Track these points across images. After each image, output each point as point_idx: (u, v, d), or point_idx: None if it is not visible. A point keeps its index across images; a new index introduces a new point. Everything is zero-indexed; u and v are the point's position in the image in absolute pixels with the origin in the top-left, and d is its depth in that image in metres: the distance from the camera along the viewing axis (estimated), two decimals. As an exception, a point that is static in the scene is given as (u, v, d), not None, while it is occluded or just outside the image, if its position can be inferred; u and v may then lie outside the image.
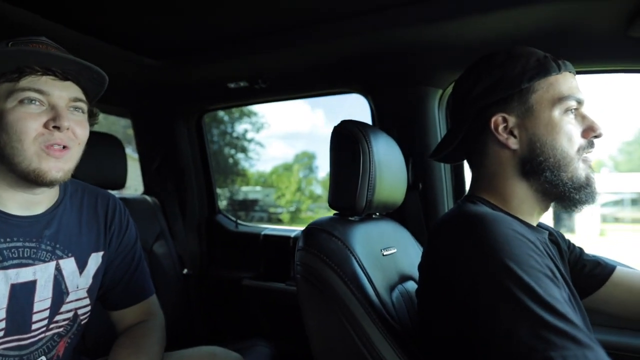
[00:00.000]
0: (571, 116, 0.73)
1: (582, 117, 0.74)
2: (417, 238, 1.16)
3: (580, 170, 0.72)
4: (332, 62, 1.35)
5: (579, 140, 0.73)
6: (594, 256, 0.93)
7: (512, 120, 0.74)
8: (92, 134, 1.46)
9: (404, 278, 0.97)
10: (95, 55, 1.30)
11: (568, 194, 0.72)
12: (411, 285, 0.97)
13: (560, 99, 0.72)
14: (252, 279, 1.74)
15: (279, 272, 1.70)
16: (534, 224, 0.78)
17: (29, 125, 0.72)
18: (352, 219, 0.96)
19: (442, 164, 1.35)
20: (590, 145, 0.74)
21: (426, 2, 1.03)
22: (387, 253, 0.96)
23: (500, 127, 0.75)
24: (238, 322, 1.83)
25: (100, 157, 1.42)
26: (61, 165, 0.76)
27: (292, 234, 1.71)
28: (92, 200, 0.96)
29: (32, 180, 0.75)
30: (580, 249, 0.94)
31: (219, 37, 1.30)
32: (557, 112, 0.72)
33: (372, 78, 1.41)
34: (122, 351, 0.88)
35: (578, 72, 0.99)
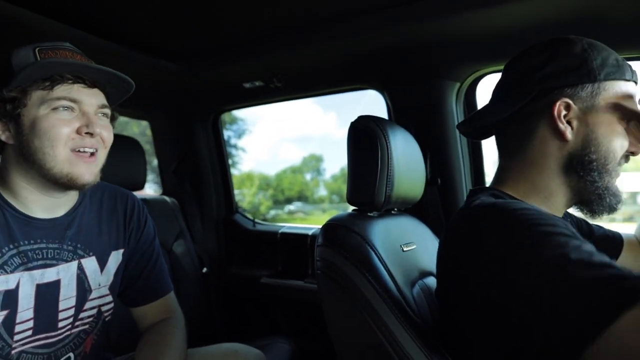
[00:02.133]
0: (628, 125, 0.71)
1: (637, 130, 0.71)
2: (436, 234, 1.15)
3: (615, 179, 0.72)
4: (348, 59, 1.35)
5: (623, 150, 0.71)
6: (598, 227, 0.95)
7: (574, 111, 0.70)
8: (114, 137, 1.49)
9: (425, 274, 0.96)
10: (114, 59, 1.33)
11: (603, 198, 0.71)
12: (431, 281, 0.96)
13: (626, 106, 0.69)
14: (270, 277, 1.76)
15: (297, 269, 1.71)
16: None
17: (62, 131, 0.76)
18: (371, 214, 0.96)
19: (461, 159, 1.34)
20: (627, 158, 0.72)
21: None
22: (407, 249, 0.96)
23: (562, 114, 0.70)
24: (257, 320, 1.85)
25: (122, 159, 1.45)
26: (92, 169, 0.81)
27: (310, 232, 1.72)
28: (111, 200, 0.99)
29: (63, 184, 0.78)
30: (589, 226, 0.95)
31: (234, 39, 1.31)
32: (617, 117, 0.70)
33: (388, 73, 1.40)
34: (150, 348, 0.90)
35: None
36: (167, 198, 1.87)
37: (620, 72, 0.70)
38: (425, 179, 1.11)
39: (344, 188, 0.98)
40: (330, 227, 0.85)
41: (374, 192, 0.89)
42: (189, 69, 1.51)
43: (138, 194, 1.57)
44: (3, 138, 0.78)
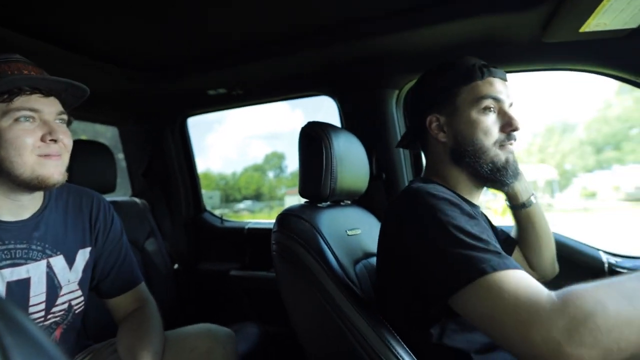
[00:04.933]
0: (491, 114, 0.88)
1: (502, 115, 0.89)
2: (381, 221, 1.32)
3: (499, 156, 0.88)
4: (302, 70, 1.50)
5: (496, 134, 0.88)
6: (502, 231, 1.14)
7: (442, 119, 0.92)
8: (84, 143, 1.55)
9: (368, 255, 1.12)
10: (83, 70, 1.41)
11: (491, 175, 0.89)
12: (374, 260, 1.12)
13: (478, 100, 0.88)
14: (239, 270, 1.88)
15: (262, 261, 1.85)
16: (473, 200, 0.96)
17: (27, 140, 0.80)
18: (321, 205, 1.11)
19: (402, 156, 1.53)
20: (509, 137, 0.89)
21: (382, 18, 1.19)
22: (351, 233, 1.12)
23: (433, 125, 0.93)
24: (227, 309, 1.97)
25: (92, 163, 1.52)
26: (60, 168, 0.86)
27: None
28: (76, 200, 1.03)
29: (34, 186, 0.83)
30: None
31: (198, 51, 1.42)
32: (474, 112, 0.88)
33: (337, 82, 1.57)
34: (131, 336, 0.97)
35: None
36: (137, 199, 1.95)
37: (468, 78, 0.89)
38: (371, 175, 1.28)
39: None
40: (284, 216, 1.01)
41: (320, 186, 1.04)
42: (156, 77, 1.59)
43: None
44: None
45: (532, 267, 1.09)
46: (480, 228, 0.73)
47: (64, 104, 0.90)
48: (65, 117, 0.89)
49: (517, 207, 1.07)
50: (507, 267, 0.65)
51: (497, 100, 0.88)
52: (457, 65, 0.91)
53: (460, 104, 0.89)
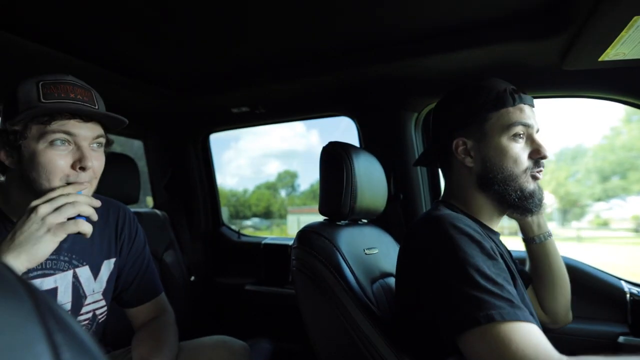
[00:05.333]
0: (520, 141, 0.87)
1: (531, 141, 0.88)
2: (398, 242, 1.32)
3: (527, 184, 0.87)
4: (324, 90, 1.55)
5: (525, 162, 0.87)
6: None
7: (469, 143, 0.90)
8: (110, 155, 1.60)
9: (385, 274, 1.13)
10: (112, 86, 1.47)
11: (517, 203, 0.87)
12: (391, 280, 1.13)
13: (508, 127, 0.86)
14: (254, 284, 1.90)
15: (278, 277, 1.86)
16: (493, 226, 0.95)
17: (58, 166, 0.81)
18: (340, 223, 1.13)
19: (420, 177, 1.54)
20: (537, 164, 0.88)
21: (404, 43, 1.22)
22: (369, 252, 1.13)
23: (460, 149, 0.91)
24: (241, 324, 1.98)
25: (117, 174, 1.58)
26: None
27: (291, 242, 1.88)
28: (104, 212, 1.05)
29: None
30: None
31: (223, 70, 1.48)
32: (505, 138, 0.86)
33: (358, 104, 1.61)
34: (144, 345, 0.99)
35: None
36: (158, 211, 2.00)
37: (500, 104, 0.87)
38: (389, 195, 1.30)
39: (309, 204, 1.13)
40: (304, 233, 1.03)
41: (340, 204, 1.06)
42: (181, 95, 1.65)
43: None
44: (7, 163, 0.84)
45: (545, 310, 1.05)
46: (497, 270, 0.71)
47: (104, 127, 0.92)
48: (102, 140, 0.90)
49: (532, 240, 1.05)
50: (518, 319, 0.63)
51: (527, 126, 0.87)
52: (486, 89, 0.89)
53: (490, 129, 0.88)
